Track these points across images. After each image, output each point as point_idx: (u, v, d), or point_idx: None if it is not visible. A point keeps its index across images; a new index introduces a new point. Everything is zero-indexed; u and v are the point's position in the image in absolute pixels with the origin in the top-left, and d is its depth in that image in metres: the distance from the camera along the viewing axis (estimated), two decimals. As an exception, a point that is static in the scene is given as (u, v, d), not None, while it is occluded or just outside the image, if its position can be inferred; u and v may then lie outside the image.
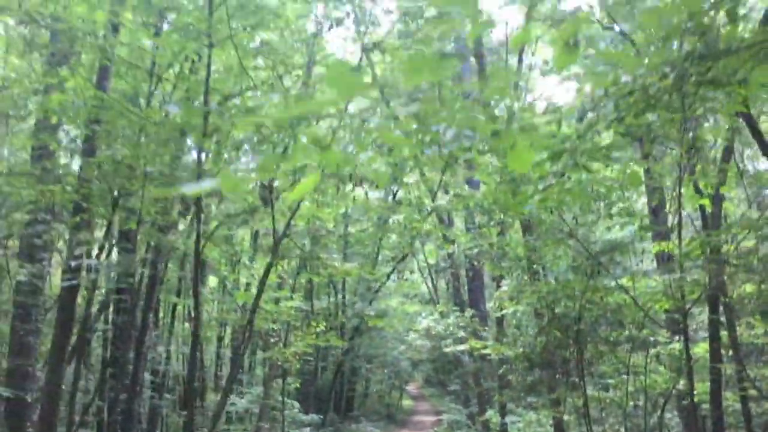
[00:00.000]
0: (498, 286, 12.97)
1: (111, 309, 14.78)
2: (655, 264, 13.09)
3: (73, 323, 9.46)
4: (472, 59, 16.14)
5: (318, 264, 11.24)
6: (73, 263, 8.32)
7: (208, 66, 7.64)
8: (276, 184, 8.74)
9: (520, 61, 17.68)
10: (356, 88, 1.16)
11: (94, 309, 13.09)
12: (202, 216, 8.91)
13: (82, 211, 8.77)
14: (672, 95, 3.31)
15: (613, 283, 7.57)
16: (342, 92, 1.14)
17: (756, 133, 6.46)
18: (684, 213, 12.19)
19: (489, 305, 16.44)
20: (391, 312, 24.45)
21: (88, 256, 10.68)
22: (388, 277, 22.53)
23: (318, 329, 13.68)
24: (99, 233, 13.20)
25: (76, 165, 15.63)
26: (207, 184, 1.18)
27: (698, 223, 9.76)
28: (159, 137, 8.02)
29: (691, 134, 5.55)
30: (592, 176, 4.67)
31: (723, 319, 9.08)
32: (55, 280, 18.79)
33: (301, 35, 10.33)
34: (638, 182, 5.83)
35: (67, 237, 12.15)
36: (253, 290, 17.60)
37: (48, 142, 10.89)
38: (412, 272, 26.54)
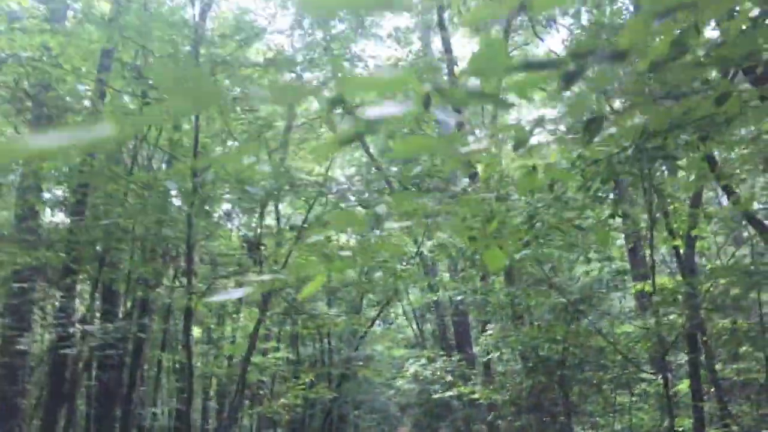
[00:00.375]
0: (483, 330, 13.14)
1: (95, 365, 14.69)
2: (635, 302, 13.38)
3: (63, 387, 9.47)
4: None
5: (305, 317, 11.38)
6: (71, 330, 8.39)
7: (196, 135, 7.91)
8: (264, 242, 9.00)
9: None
10: (355, 224, 1.41)
11: (80, 365, 13.03)
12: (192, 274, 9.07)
13: (73, 273, 8.89)
14: (633, 164, 3.58)
15: (592, 329, 7.81)
16: (342, 227, 1.39)
17: (721, 181, 6.80)
18: (662, 250, 12.57)
19: (476, 349, 16.55)
20: (378, 356, 24.39)
21: (66, 311, 10.74)
22: (373, 322, 22.59)
23: (306, 380, 13.70)
24: (84, 286, 13.22)
25: (57, 218, 15.73)
26: (237, 294, 1.41)
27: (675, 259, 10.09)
28: (146, 199, 8.23)
29: (657, 187, 5.87)
30: (564, 234, 4.94)
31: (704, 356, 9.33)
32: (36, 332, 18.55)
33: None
34: (607, 241, 6.13)
35: (50, 293, 12.16)
36: (239, 341, 17.59)
37: (34, 203, 11.02)
38: (397, 317, 26.56)
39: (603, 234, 4.48)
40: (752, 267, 7.24)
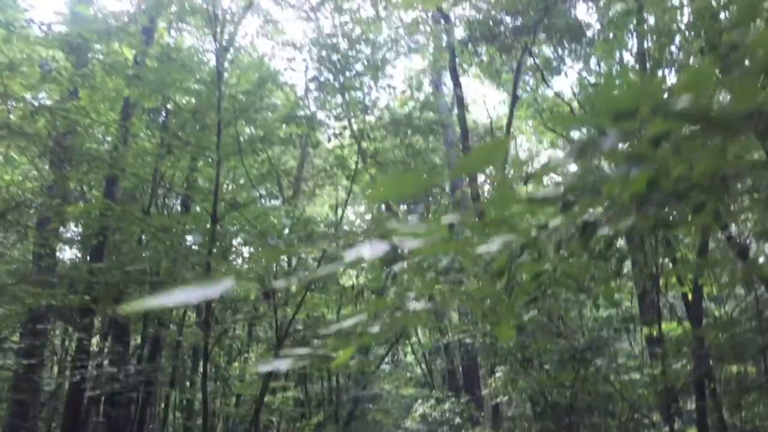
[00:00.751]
0: (492, 372, 13.18)
1: (103, 401, 14.75)
2: (644, 343, 13.44)
3: (78, 426, 9.60)
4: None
5: (317, 357, 11.46)
6: (94, 372, 8.56)
7: (216, 181, 8.19)
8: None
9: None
10: (387, 308, 1.62)
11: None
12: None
13: (92, 313, 9.10)
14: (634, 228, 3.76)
15: (599, 376, 7.92)
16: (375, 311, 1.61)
17: (728, 237, 6.94)
18: (672, 294, 12.65)
19: (485, 391, 16.55)
20: (386, 395, 24.32)
21: (87, 352, 10.94)
22: (383, 359, 22.59)
23: (315, 420, 13.74)
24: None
25: (70, 254, 16.03)
26: (281, 365, 1.61)
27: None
28: (163, 242, 8.49)
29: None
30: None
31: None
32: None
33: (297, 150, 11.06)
34: (612, 297, 6.31)
35: (69, 334, 12.34)
36: (248, 379, 17.64)
37: (52, 242, 11.30)
38: (406, 355, 26.53)
39: (608, 290, 4.65)
40: (755, 319, 7.35)
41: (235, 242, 13.20)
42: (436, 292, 1.95)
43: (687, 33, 6.84)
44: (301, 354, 1.72)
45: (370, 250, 1.10)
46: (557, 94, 16.96)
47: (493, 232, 1.25)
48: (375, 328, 1.81)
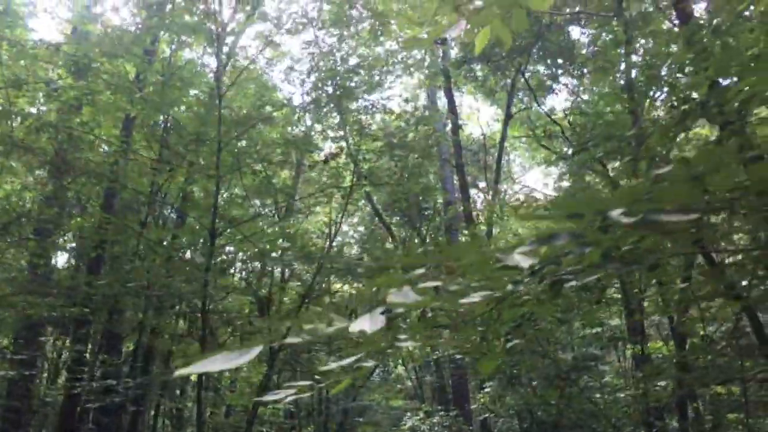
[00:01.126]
0: (481, 387, 13.38)
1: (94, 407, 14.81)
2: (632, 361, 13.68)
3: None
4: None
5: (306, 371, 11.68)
6: (94, 384, 8.70)
7: (215, 197, 8.38)
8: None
9: (498, 162, 18.93)
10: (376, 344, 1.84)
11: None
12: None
13: (88, 324, 9.25)
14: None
15: (584, 396, 8.12)
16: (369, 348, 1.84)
17: (713, 266, 7.12)
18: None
19: (474, 406, 16.72)
20: (375, 406, 24.44)
21: (83, 363, 11.08)
22: (372, 372, 22.73)
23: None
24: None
25: (63, 260, 16.16)
26: (287, 395, 1.79)
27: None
28: (159, 255, 8.68)
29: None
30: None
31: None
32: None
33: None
34: (594, 323, 6.53)
35: (65, 344, 12.45)
36: (239, 389, 17.77)
37: (49, 250, 11.46)
38: (396, 366, 26.66)
39: (588, 315, 4.86)
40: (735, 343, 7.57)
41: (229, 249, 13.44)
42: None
43: (673, 65, 7.10)
44: (302, 385, 1.92)
45: (371, 323, 1.31)
46: (548, 114, 17.28)
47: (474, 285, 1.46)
48: (369, 363, 2.03)
